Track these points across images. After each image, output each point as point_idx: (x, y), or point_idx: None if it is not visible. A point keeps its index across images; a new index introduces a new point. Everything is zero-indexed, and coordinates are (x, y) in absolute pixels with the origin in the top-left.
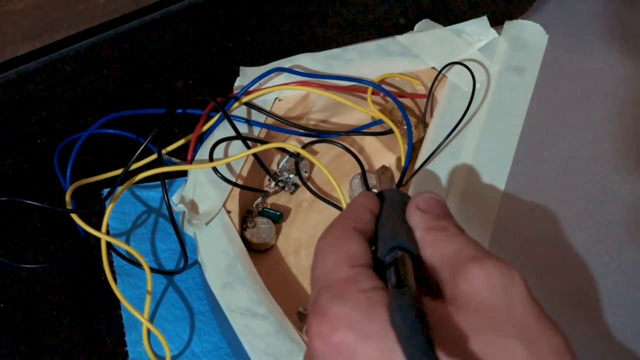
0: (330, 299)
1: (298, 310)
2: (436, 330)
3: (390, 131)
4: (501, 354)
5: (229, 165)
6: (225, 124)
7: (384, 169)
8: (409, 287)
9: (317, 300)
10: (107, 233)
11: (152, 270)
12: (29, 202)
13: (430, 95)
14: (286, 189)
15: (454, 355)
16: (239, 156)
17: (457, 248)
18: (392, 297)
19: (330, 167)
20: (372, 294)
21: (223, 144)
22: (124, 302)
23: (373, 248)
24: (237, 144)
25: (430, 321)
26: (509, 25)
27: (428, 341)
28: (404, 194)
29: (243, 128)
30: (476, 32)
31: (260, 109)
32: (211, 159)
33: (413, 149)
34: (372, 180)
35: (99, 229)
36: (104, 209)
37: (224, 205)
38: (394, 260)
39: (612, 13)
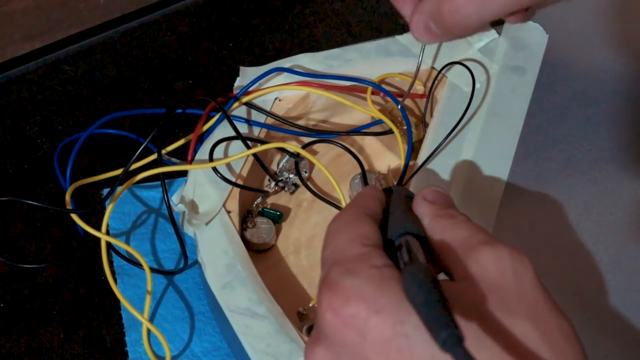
0: (342, 273)
1: (298, 310)
2: (450, 303)
3: (390, 131)
4: (512, 332)
5: (229, 165)
6: (225, 124)
7: (384, 175)
8: (421, 262)
9: (329, 275)
10: (107, 233)
11: (152, 270)
12: (29, 202)
13: (430, 95)
14: (286, 189)
15: (470, 321)
16: (239, 156)
17: (467, 233)
18: (406, 270)
19: (330, 167)
20: (384, 270)
21: (223, 144)
22: (124, 302)
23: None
24: (237, 144)
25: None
26: (509, 25)
27: (444, 304)
28: (409, 190)
29: (243, 128)
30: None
31: (260, 109)
32: (211, 159)
33: (413, 149)
34: (372, 181)
35: (99, 229)
36: (104, 209)
37: (224, 205)
38: (405, 242)
39: (612, 13)
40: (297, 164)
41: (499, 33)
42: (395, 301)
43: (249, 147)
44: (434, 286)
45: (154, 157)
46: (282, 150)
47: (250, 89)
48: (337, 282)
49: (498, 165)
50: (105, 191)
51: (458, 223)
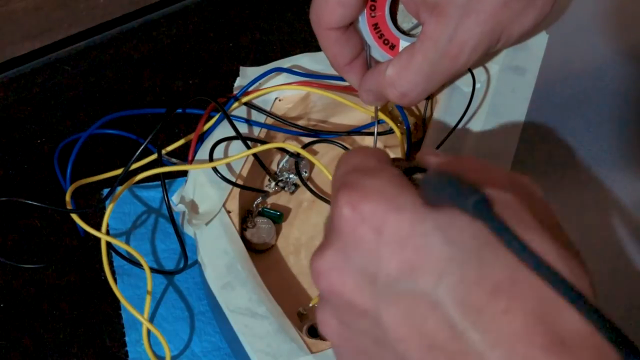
0: (361, 175)
1: (298, 310)
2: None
3: (391, 131)
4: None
5: (229, 165)
6: (225, 124)
7: None
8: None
9: (346, 179)
10: (107, 233)
11: (152, 270)
12: (29, 202)
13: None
14: (286, 189)
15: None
16: (239, 156)
17: (479, 164)
18: (429, 173)
19: (330, 167)
20: (402, 178)
21: (223, 144)
22: (124, 302)
23: None
24: (237, 144)
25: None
26: None
27: (470, 184)
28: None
29: (243, 128)
30: None
31: (260, 109)
32: (211, 159)
33: (413, 149)
34: None
35: (99, 229)
36: (104, 209)
37: (224, 205)
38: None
39: (612, 13)
40: (297, 164)
41: None
42: (415, 202)
43: (249, 147)
44: (459, 179)
45: (154, 157)
46: (282, 150)
47: (250, 89)
48: (357, 181)
49: (498, 165)
50: (105, 191)
51: (465, 158)
